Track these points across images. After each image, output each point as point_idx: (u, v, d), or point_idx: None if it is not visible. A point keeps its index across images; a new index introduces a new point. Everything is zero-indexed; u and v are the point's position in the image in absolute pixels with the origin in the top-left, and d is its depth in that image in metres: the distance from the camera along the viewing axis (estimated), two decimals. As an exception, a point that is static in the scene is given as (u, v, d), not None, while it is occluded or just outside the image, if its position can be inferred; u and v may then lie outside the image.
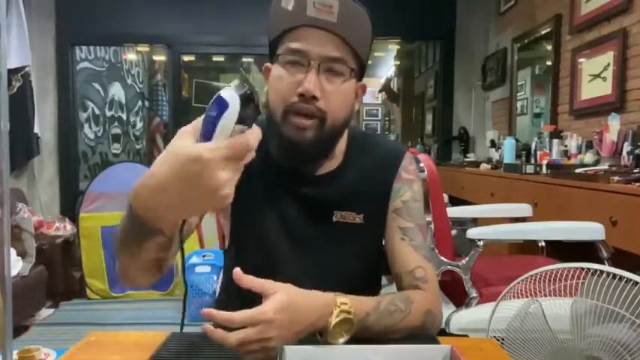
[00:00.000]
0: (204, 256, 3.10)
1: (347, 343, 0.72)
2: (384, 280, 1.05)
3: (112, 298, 3.41)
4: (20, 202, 3.22)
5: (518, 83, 3.68)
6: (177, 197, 0.58)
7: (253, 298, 0.68)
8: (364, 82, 0.92)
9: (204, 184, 0.56)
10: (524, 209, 2.15)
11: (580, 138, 2.64)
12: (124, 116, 5.50)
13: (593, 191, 1.78)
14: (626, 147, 2.13)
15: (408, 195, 0.93)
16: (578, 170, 2.16)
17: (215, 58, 5.92)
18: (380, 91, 7.71)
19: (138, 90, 5.76)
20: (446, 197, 1.99)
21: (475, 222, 2.37)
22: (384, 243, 0.94)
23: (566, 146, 2.72)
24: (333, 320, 0.70)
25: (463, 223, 2.27)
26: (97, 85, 4.95)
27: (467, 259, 1.58)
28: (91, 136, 4.85)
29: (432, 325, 0.83)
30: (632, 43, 2.36)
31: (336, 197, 0.91)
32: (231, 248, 0.96)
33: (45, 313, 3.12)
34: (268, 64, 0.90)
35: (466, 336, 1.44)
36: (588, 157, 2.39)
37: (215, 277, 3.05)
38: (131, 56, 5.56)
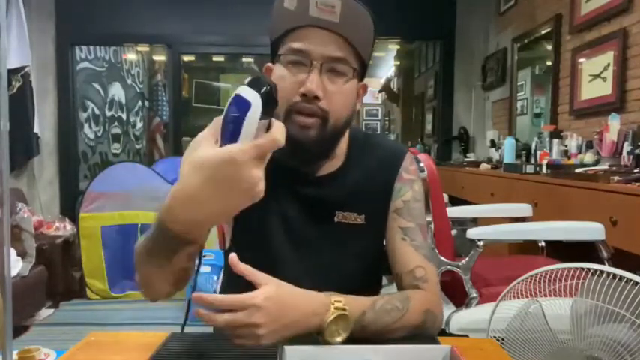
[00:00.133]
0: (204, 256, 3.08)
1: (346, 342, 0.72)
2: (384, 280, 1.05)
3: (112, 298, 3.41)
4: (20, 202, 3.22)
5: (518, 83, 3.68)
6: (213, 204, 0.59)
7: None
8: (365, 81, 0.92)
9: (239, 185, 0.57)
10: (524, 209, 2.15)
11: (580, 138, 2.64)
12: (124, 116, 5.51)
13: (593, 191, 1.78)
14: (626, 147, 2.13)
15: (409, 195, 0.93)
16: (578, 170, 2.16)
17: (215, 58, 5.93)
18: (380, 91, 7.71)
19: (138, 90, 5.76)
20: (446, 197, 1.99)
21: (475, 222, 2.37)
22: (384, 243, 0.94)
23: (566, 146, 2.72)
24: (329, 317, 0.71)
25: (463, 223, 2.27)
26: (97, 85, 4.96)
27: (467, 259, 1.58)
28: (91, 136, 4.85)
29: (432, 324, 0.83)
30: (632, 43, 2.36)
31: (338, 198, 0.91)
32: (232, 248, 0.96)
33: (45, 313, 3.12)
34: (269, 64, 0.90)
35: (466, 336, 1.44)
36: (588, 157, 2.39)
37: (215, 277, 3.05)
38: (131, 56, 5.56)
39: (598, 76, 2.61)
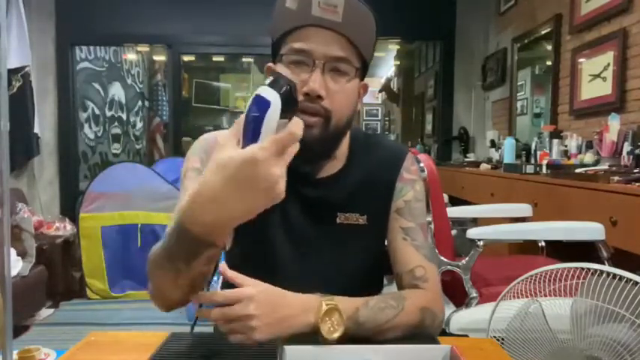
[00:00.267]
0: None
1: (346, 343, 0.71)
2: (384, 280, 1.05)
3: (112, 298, 3.41)
4: (20, 202, 3.22)
5: (518, 83, 3.68)
6: (233, 204, 0.59)
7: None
8: (365, 81, 0.92)
9: (261, 184, 0.57)
10: (524, 209, 2.15)
11: (580, 138, 2.64)
12: (124, 116, 5.51)
13: (593, 191, 1.78)
14: (626, 147, 2.13)
15: (410, 195, 0.93)
16: (578, 170, 2.16)
17: (215, 58, 5.93)
18: (380, 91, 7.71)
19: (138, 90, 5.76)
20: (446, 197, 1.99)
21: (475, 222, 2.37)
22: (386, 243, 0.95)
23: (566, 146, 2.72)
24: (321, 312, 0.72)
25: (463, 223, 2.27)
26: (97, 85, 4.96)
27: (467, 259, 1.58)
28: (91, 136, 4.85)
29: (431, 323, 0.83)
30: (632, 43, 2.36)
31: (340, 199, 0.91)
32: (233, 249, 0.96)
33: (45, 313, 3.12)
34: (270, 64, 0.90)
35: (466, 336, 1.44)
36: (588, 157, 2.39)
37: (215, 278, 3.04)
38: (131, 56, 5.56)
39: (598, 76, 2.61)
